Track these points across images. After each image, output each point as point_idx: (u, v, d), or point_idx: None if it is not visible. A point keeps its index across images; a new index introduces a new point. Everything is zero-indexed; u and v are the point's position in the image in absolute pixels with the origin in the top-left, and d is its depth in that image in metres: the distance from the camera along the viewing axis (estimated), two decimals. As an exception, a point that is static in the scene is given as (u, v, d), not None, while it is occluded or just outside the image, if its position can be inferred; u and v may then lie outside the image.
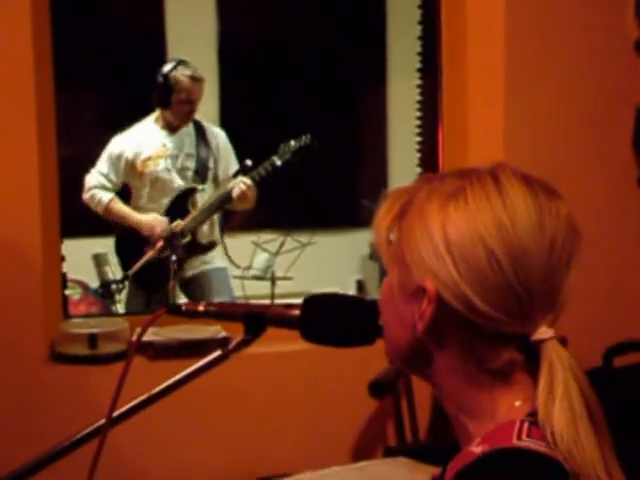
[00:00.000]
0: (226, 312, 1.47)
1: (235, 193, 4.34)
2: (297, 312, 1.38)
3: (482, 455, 1.01)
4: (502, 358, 1.04)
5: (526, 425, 1.01)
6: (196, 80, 4.38)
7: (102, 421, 1.39)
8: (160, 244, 4.35)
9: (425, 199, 1.07)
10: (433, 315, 1.05)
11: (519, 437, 1.01)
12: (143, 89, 4.46)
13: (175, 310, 1.47)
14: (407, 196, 1.10)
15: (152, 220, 4.40)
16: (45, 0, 2.92)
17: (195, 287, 4.53)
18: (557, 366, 1.00)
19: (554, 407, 0.98)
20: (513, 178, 1.05)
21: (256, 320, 1.42)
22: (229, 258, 4.89)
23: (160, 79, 4.36)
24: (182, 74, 4.35)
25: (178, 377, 1.44)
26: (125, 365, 1.34)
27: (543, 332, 1.02)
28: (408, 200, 1.09)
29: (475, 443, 1.04)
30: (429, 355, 1.09)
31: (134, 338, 2.89)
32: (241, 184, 4.32)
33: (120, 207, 4.44)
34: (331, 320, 1.38)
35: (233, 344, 1.43)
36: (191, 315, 1.46)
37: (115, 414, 1.39)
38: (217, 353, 1.43)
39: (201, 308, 1.44)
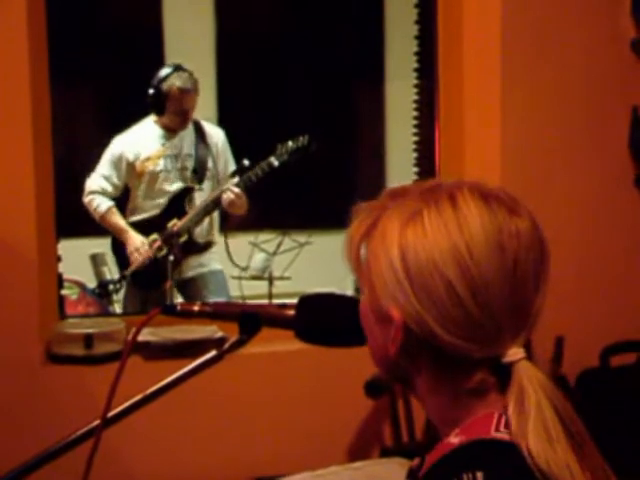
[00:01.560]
0: (221, 312, 1.46)
1: (224, 202, 4.33)
2: (291, 312, 1.38)
3: (459, 445, 1.01)
4: (474, 380, 1.04)
5: (504, 417, 1.01)
6: (187, 91, 4.36)
7: (97, 421, 1.39)
8: (158, 244, 4.35)
9: (387, 220, 1.06)
10: (403, 341, 1.04)
11: (497, 429, 1.01)
12: (140, 89, 4.46)
13: (170, 310, 1.46)
14: (373, 215, 1.09)
15: (137, 244, 4.40)
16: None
17: (192, 289, 4.53)
18: (527, 388, 0.99)
19: (527, 429, 0.97)
20: (470, 199, 1.03)
21: (251, 320, 1.42)
22: (230, 258, 4.90)
23: (153, 87, 4.35)
24: (172, 84, 4.33)
25: (173, 377, 1.43)
26: (120, 365, 1.34)
27: (513, 354, 1.01)
28: (374, 220, 1.08)
29: (453, 434, 1.04)
30: (408, 373, 1.09)
31: (129, 338, 2.89)
32: (230, 193, 4.30)
33: (115, 220, 4.44)
34: (325, 320, 1.37)
35: (228, 344, 1.42)
36: (186, 315, 1.45)
37: (110, 414, 1.38)
38: (212, 353, 1.42)
39: (196, 308, 1.44)
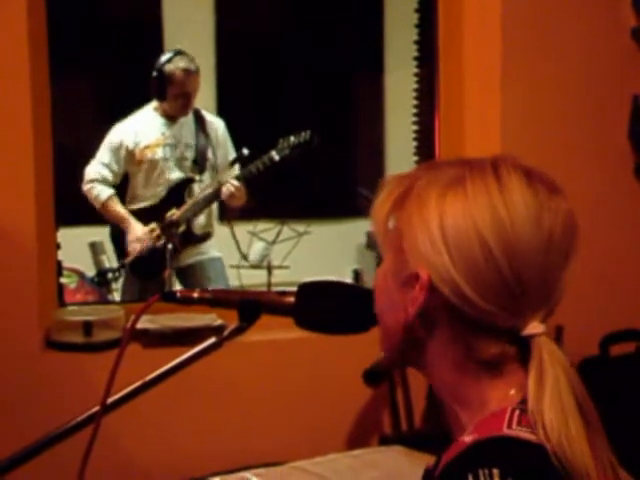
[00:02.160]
0: (220, 299, 1.46)
1: (223, 195, 4.34)
2: (291, 299, 1.38)
3: (472, 444, 1.01)
4: (490, 351, 1.04)
5: (517, 413, 1.02)
6: (190, 73, 4.37)
7: (96, 408, 1.39)
8: (157, 233, 4.35)
9: (424, 187, 1.07)
10: (425, 301, 1.05)
11: (509, 426, 1.01)
12: (140, 77, 4.46)
13: (170, 297, 1.46)
14: (406, 183, 1.10)
15: (140, 233, 4.40)
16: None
17: (191, 276, 4.54)
18: (546, 362, 1.00)
19: (544, 401, 0.98)
20: (514, 171, 1.05)
21: (250, 307, 1.42)
22: (237, 246, 4.90)
23: (155, 72, 4.35)
24: (176, 67, 4.34)
25: (172, 364, 1.43)
26: (119, 352, 1.34)
27: (534, 327, 1.02)
28: (407, 188, 1.09)
29: (467, 432, 1.04)
30: (420, 342, 1.09)
31: (129, 325, 2.89)
32: (230, 186, 4.31)
33: (116, 208, 4.45)
34: (325, 307, 1.37)
35: (227, 331, 1.42)
36: (186, 302, 1.45)
37: (109, 401, 1.38)
38: (211, 340, 1.42)
39: (195, 295, 1.44)
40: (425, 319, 1.06)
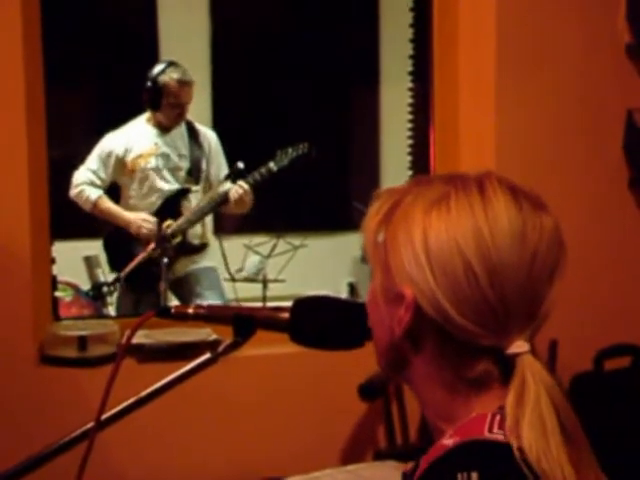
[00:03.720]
0: (215, 315, 1.46)
1: (232, 197, 4.33)
2: (286, 315, 1.38)
3: (453, 447, 1.01)
4: (477, 369, 1.04)
5: (497, 418, 1.02)
6: (184, 83, 4.37)
7: (91, 424, 1.38)
8: (152, 246, 4.34)
9: (411, 203, 1.07)
10: (410, 321, 1.05)
11: (490, 429, 1.01)
12: (134, 89, 4.46)
13: (164, 313, 1.46)
14: (395, 198, 1.10)
15: (140, 219, 4.39)
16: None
17: (185, 287, 4.52)
18: (529, 381, 0.99)
19: (523, 421, 0.98)
20: (499, 188, 1.05)
21: (245, 323, 1.42)
22: (225, 261, 4.90)
23: (149, 82, 4.36)
24: (170, 77, 4.34)
25: (167, 380, 1.43)
26: (114, 368, 1.34)
27: (518, 346, 1.02)
28: (395, 203, 1.09)
29: (447, 436, 1.04)
30: (407, 359, 1.09)
31: (124, 340, 2.88)
32: (238, 188, 4.31)
33: (108, 205, 4.43)
34: (320, 323, 1.37)
35: (222, 347, 1.43)
36: (180, 318, 1.45)
37: (104, 417, 1.38)
38: (206, 356, 1.42)
39: (190, 311, 1.44)
40: (412, 337, 1.07)
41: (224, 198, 4.38)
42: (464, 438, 1.01)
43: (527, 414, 0.98)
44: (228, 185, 4.38)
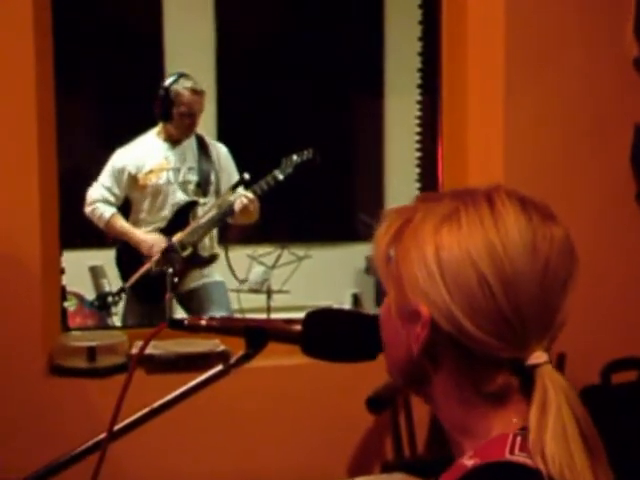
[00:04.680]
0: (228, 327, 1.47)
1: (237, 207, 4.34)
2: (298, 327, 1.38)
3: (474, 468, 1.01)
4: (497, 382, 1.05)
5: (519, 439, 1.02)
6: (197, 93, 4.41)
7: (103, 435, 1.39)
8: (157, 257, 4.35)
9: (421, 220, 1.07)
10: (427, 339, 1.05)
11: (512, 451, 1.01)
12: (140, 101, 4.48)
13: (177, 324, 1.46)
14: (404, 216, 1.10)
15: (152, 239, 4.40)
16: (47, 12, 2.91)
17: (193, 300, 4.53)
18: (550, 391, 1.00)
19: (546, 433, 0.98)
20: (508, 201, 1.05)
21: (257, 335, 1.42)
22: (232, 271, 4.91)
23: (161, 92, 4.38)
24: (183, 87, 4.38)
25: (179, 391, 1.44)
26: (127, 378, 1.34)
27: (537, 357, 1.02)
28: (405, 221, 1.10)
29: (467, 456, 1.04)
30: (426, 375, 1.09)
31: (134, 351, 2.89)
32: (243, 198, 4.32)
33: (122, 224, 4.46)
34: (332, 336, 1.38)
35: (234, 359, 1.43)
36: (193, 329, 1.46)
37: (116, 427, 1.39)
38: (218, 368, 1.43)
39: (203, 323, 1.45)
40: (430, 354, 1.07)
41: (230, 209, 4.40)
42: (485, 459, 1.02)
43: (550, 424, 0.98)
44: (233, 195, 4.39)
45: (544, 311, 1.03)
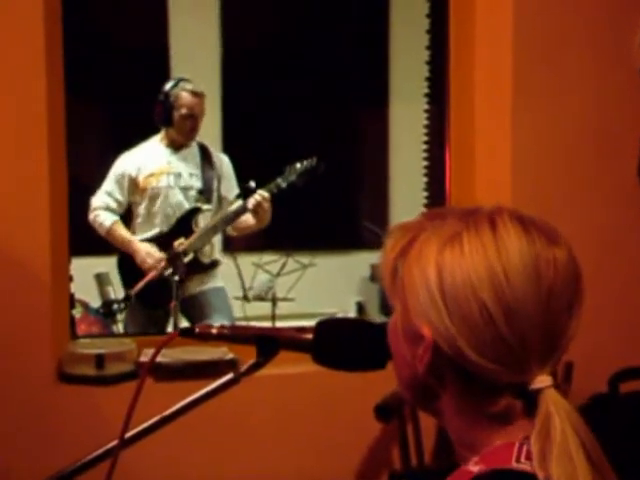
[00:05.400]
0: (239, 335, 1.47)
1: (251, 204, 4.31)
2: (309, 336, 1.39)
3: (479, 474, 1.02)
4: (499, 404, 1.05)
5: (525, 448, 1.02)
6: (197, 95, 4.41)
7: (114, 442, 1.39)
8: (163, 264, 4.36)
9: (425, 241, 1.07)
10: (431, 360, 1.06)
11: (518, 459, 1.01)
12: (146, 109, 4.49)
13: (188, 333, 1.47)
14: (410, 235, 1.10)
15: (147, 252, 4.41)
16: (57, 19, 2.92)
17: (194, 307, 4.53)
18: (554, 416, 0.99)
19: (551, 456, 0.97)
20: (510, 224, 1.05)
21: (269, 343, 1.43)
22: (240, 278, 4.91)
23: (161, 97, 4.39)
24: (183, 89, 4.39)
25: (190, 399, 1.45)
26: (138, 386, 1.35)
27: (540, 381, 1.02)
28: (411, 239, 1.10)
29: (472, 462, 1.04)
30: (433, 392, 1.10)
31: (143, 359, 2.89)
32: (257, 196, 4.29)
33: (121, 233, 4.46)
34: (343, 345, 1.38)
35: (245, 367, 1.44)
36: (204, 338, 1.46)
37: (127, 435, 1.39)
38: (229, 376, 1.44)
39: (214, 331, 1.45)
40: (434, 376, 1.08)
41: (232, 216, 4.39)
42: (491, 466, 1.02)
43: (555, 450, 0.97)
44: (238, 203, 4.39)
45: (548, 336, 1.03)
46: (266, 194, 4.28)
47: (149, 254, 4.38)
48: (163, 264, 4.35)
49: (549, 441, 0.98)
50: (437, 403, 1.10)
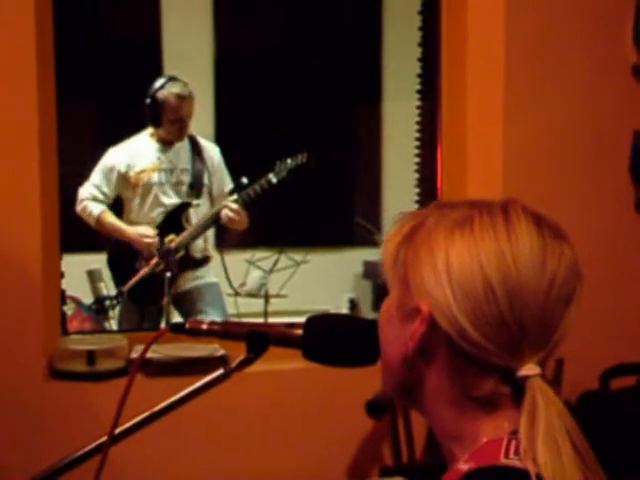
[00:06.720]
0: (229, 331, 1.47)
1: (223, 219, 4.34)
2: (299, 332, 1.38)
3: (469, 472, 1.02)
4: (484, 388, 1.05)
5: (514, 443, 1.02)
6: (183, 98, 4.37)
7: (104, 438, 1.39)
8: (155, 260, 4.35)
9: (434, 224, 1.09)
10: (424, 335, 1.06)
11: (507, 455, 1.01)
12: (138, 105, 4.48)
13: (178, 328, 1.46)
14: (417, 220, 1.12)
15: (140, 233, 4.40)
16: (48, 17, 2.92)
17: (187, 302, 4.53)
18: (540, 404, 1.00)
19: (537, 443, 0.98)
20: (522, 215, 1.07)
21: (259, 339, 1.42)
22: (227, 276, 4.90)
23: (148, 99, 4.37)
24: (169, 92, 4.35)
25: (180, 395, 1.44)
26: (128, 381, 1.35)
27: (529, 369, 1.02)
28: (418, 223, 1.11)
29: (462, 460, 1.04)
30: (418, 376, 1.10)
31: (134, 355, 2.89)
32: (228, 211, 4.31)
33: (111, 220, 4.45)
34: (333, 340, 1.38)
35: (235, 363, 1.43)
36: (195, 333, 1.46)
37: (117, 431, 1.39)
38: (219, 372, 1.43)
39: (205, 327, 1.44)
40: (424, 353, 1.08)
41: (217, 217, 4.39)
42: (480, 463, 1.02)
43: (540, 435, 0.98)
44: (225, 202, 4.39)
45: (545, 325, 1.04)
46: (235, 206, 4.30)
47: (142, 234, 4.38)
48: (155, 261, 4.34)
49: (535, 427, 0.99)
50: (421, 389, 1.10)
